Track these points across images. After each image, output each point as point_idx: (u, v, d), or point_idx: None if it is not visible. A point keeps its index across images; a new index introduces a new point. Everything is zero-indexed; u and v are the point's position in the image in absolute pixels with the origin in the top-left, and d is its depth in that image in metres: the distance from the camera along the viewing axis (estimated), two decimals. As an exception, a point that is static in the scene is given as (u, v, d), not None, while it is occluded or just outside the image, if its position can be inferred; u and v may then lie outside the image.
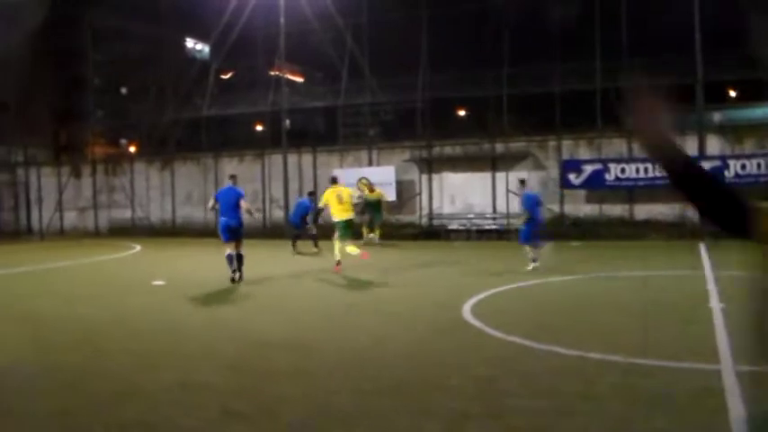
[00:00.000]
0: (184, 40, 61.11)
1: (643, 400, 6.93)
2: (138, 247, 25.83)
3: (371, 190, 25.76)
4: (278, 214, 30.70)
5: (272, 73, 36.95)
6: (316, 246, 23.22)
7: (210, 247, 24.87)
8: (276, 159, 31.61)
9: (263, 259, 21.04)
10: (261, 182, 32.01)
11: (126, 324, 11.60)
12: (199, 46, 64.77)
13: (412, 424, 6.46)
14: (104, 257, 22.66)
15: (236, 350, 9.46)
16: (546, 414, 6.62)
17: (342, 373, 8.21)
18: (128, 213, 34.00)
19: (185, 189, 32.86)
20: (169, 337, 10.47)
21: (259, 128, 43.53)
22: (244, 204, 16.61)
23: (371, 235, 25.08)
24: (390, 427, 6.44)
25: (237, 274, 16.20)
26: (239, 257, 16.33)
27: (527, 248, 18.18)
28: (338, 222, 17.95)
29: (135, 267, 20.04)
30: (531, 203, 18.56)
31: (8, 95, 46.52)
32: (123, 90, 58.11)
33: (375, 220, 25.30)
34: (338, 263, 17.51)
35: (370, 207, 25.09)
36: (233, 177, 17.47)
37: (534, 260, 17.79)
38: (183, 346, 9.89)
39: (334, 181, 19.50)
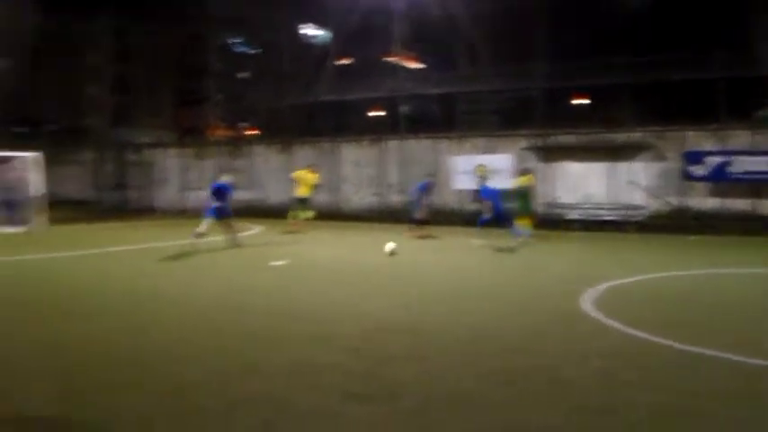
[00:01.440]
0: (302, 27, 61.87)
1: (764, 402, 6.81)
2: (257, 228, 26.39)
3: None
4: (394, 199, 30.85)
5: (389, 59, 37.11)
6: (415, 228, 23.51)
7: (330, 229, 25.31)
8: (393, 145, 31.79)
9: (381, 243, 21.21)
10: (378, 167, 32.21)
11: (244, 303, 11.91)
12: (317, 32, 65.47)
13: (529, 413, 6.49)
14: (224, 237, 23.22)
15: (355, 332, 9.61)
16: (663, 411, 6.57)
17: (458, 360, 8.28)
18: (247, 195, 34.62)
19: (305, 173, 33.36)
20: (288, 317, 10.67)
21: (376, 113, 43.84)
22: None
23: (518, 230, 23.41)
24: (507, 414, 6.48)
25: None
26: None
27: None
28: None
29: (254, 248, 20.45)
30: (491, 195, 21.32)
31: (137, 80, 48.20)
32: (243, 75, 59.34)
33: (523, 208, 23.82)
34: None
35: (516, 195, 23.78)
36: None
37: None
38: (301, 326, 10.07)
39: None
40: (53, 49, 47.80)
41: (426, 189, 24.03)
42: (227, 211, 20.04)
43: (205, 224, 19.61)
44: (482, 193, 21.80)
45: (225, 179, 20.78)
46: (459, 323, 10.24)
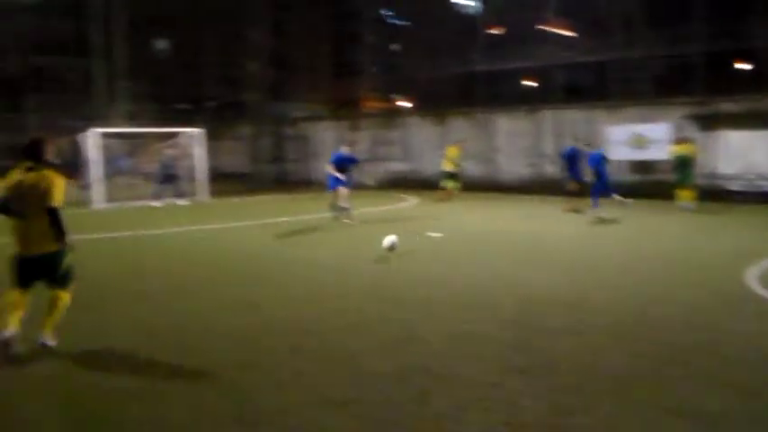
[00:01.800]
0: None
1: None
2: (413, 200, 26.71)
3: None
4: (549, 170, 30.47)
5: (542, 27, 36.61)
6: (572, 201, 22.45)
7: (484, 201, 25.37)
8: (548, 115, 31.32)
9: (537, 215, 21.11)
10: (533, 137, 31.79)
11: (402, 273, 12.21)
12: (469, 1, 65.30)
13: (692, 392, 6.44)
14: (380, 208, 23.58)
15: (513, 304, 9.71)
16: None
17: (617, 335, 8.26)
18: (402, 166, 34.97)
19: (459, 144, 33.24)
20: (445, 287, 10.88)
21: (529, 83, 43.41)
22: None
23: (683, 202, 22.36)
24: (669, 393, 6.44)
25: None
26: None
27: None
28: None
29: (410, 218, 20.72)
30: (596, 162, 21.63)
31: (293, 54, 49.35)
32: (396, 46, 59.85)
33: (683, 179, 22.59)
34: None
35: (674, 165, 22.92)
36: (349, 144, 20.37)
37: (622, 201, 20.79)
38: (459, 296, 10.30)
39: None
40: (212, 27, 49.58)
41: (573, 156, 22.98)
42: (345, 182, 19.78)
43: (340, 197, 19.79)
44: (589, 161, 21.57)
45: (345, 150, 20.60)
46: (617, 298, 10.16)
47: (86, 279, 9.22)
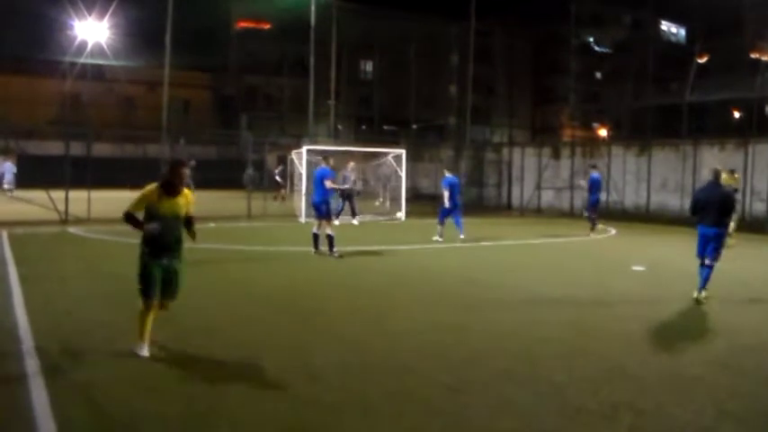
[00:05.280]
0: (663, 24, 60.59)
1: None
2: (613, 231, 26.34)
3: None
4: (759, 208, 29.12)
5: (754, 56, 35.39)
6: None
7: (686, 236, 24.73)
8: (761, 149, 29.65)
9: (747, 254, 20.27)
10: (743, 172, 30.35)
11: (611, 306, 12.06)
12: (674, 29, 63.80)
13: None
14: (580, 238, 23.45)
15: (723, 346, 9.41)
16: None
17: None
18: (602, 196, 34.40)
19: (661, 176, 32.24)
20: (649, 323, 10.60)
21: (736, 114, 41.99)
22: (328, 183, 17.68)
23: None
24: None
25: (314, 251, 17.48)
26: (328, 237, 17.07)
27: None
28: None
29: (612, 250, 20.50)
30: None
31: (495, 80, 49.84)
32: (598, 74, 59.14)
33: None
34: None
35: None
36: (326, 159, 18.47)
37: None
38: (663, 333, 10.10)
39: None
40: (418, 52, 50.89)
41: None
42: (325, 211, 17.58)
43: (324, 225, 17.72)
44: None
45: (325, 165, 18.34)
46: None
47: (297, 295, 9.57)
